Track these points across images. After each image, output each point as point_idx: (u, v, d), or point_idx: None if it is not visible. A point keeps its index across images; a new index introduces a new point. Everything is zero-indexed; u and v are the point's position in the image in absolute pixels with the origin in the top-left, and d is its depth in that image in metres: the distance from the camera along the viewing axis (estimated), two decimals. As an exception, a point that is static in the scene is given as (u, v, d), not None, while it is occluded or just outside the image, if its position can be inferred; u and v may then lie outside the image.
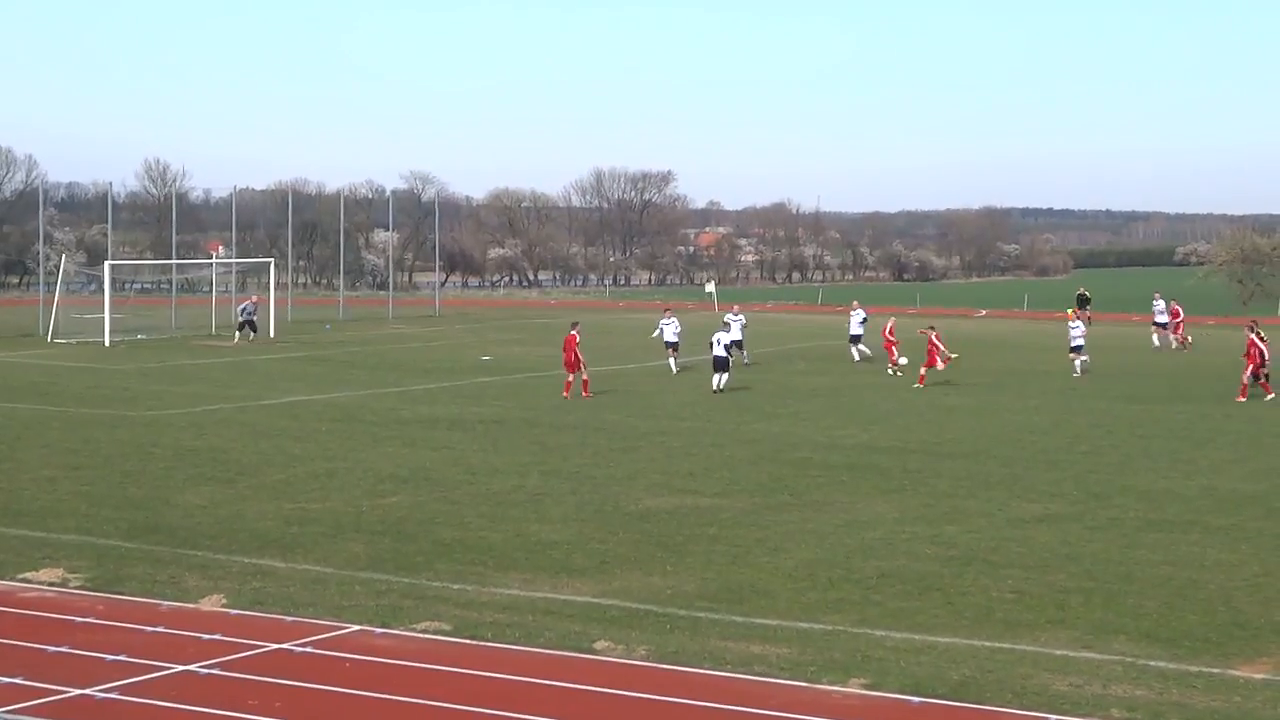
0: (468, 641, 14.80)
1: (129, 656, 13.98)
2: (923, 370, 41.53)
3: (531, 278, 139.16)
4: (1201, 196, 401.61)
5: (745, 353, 46.80)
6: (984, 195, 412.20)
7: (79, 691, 12.93)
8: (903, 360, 43.98)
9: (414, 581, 17.30)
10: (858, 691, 13.28)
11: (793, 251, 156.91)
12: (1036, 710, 12.79)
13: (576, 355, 37.57)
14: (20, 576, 17.37)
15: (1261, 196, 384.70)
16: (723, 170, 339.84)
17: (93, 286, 78.46)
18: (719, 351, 39.78)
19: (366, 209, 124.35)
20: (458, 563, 18.33)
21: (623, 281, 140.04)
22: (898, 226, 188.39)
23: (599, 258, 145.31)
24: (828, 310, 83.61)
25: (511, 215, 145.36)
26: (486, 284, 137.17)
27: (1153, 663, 14.23)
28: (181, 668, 13.70)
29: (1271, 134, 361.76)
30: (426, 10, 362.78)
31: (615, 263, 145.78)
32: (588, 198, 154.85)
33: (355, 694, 13.04)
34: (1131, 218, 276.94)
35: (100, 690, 12.97)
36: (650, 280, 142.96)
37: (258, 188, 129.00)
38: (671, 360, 44.98)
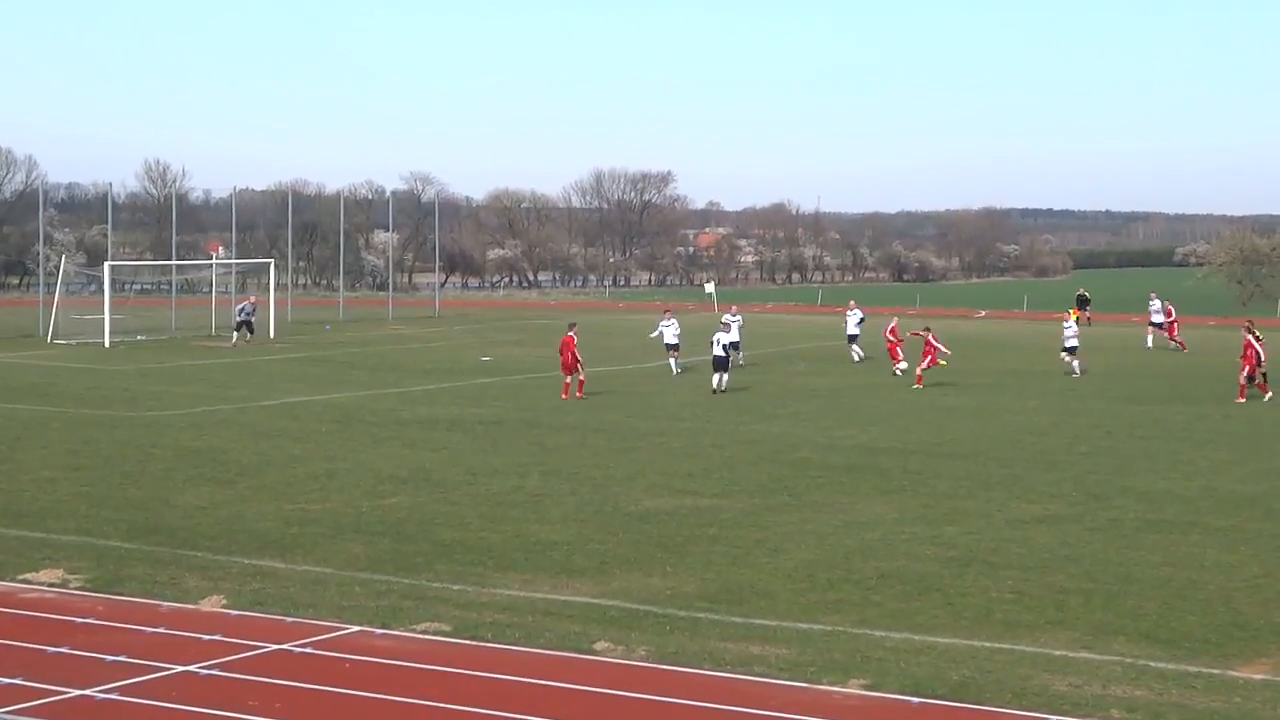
0: (468, 642, 14.81)
1: (129, 657, 13.99)
2: (920, 371, 41.61)
3: (531, 278, 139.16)
4: (1201, 197, 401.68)
5: (740, 354, 46.78)
6: (984, 196, 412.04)
7: (79, 692, 12.94)
8: (903, 365, 43.93)
9: (414, 582, 17.31)
10: (857, 692, 13.29)
11: (792, 252, 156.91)
12: (1036, 711, 12.80)
13: (575, 356, 37.60)
14: (20, 577, 17.38)
15: (1261, 197, 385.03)
16: (722, 171, 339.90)
17: (93, 287, 78.50)
18: (718, 352, 39.85)
19: (366, 209, 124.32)
20: (458, 563, 18.34)
21: (622, 282, 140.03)
22: (897, 227, 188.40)
23: (599, 258, 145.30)
24: (827, 311, 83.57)
25: (511, 216, 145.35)
26: (486, 285, 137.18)
27: (1152, 663, 14.24)
28: (181, 668, 13.71)
29: (1271, 135, 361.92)
30: (426, 11, 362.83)
31: (615, 263, 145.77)
32: (587, 198, 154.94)
33: (355, 695, 13.05)
34: (1131, 218, 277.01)
35: (100, 691, 12.98)
36: (650, 281, 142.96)
37: (258, 188, 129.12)
38: (672, 361, 45.01)
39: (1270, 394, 38.21)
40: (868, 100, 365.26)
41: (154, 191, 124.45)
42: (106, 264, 62.78)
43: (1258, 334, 39.02)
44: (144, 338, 58.68)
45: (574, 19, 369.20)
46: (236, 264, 73.74)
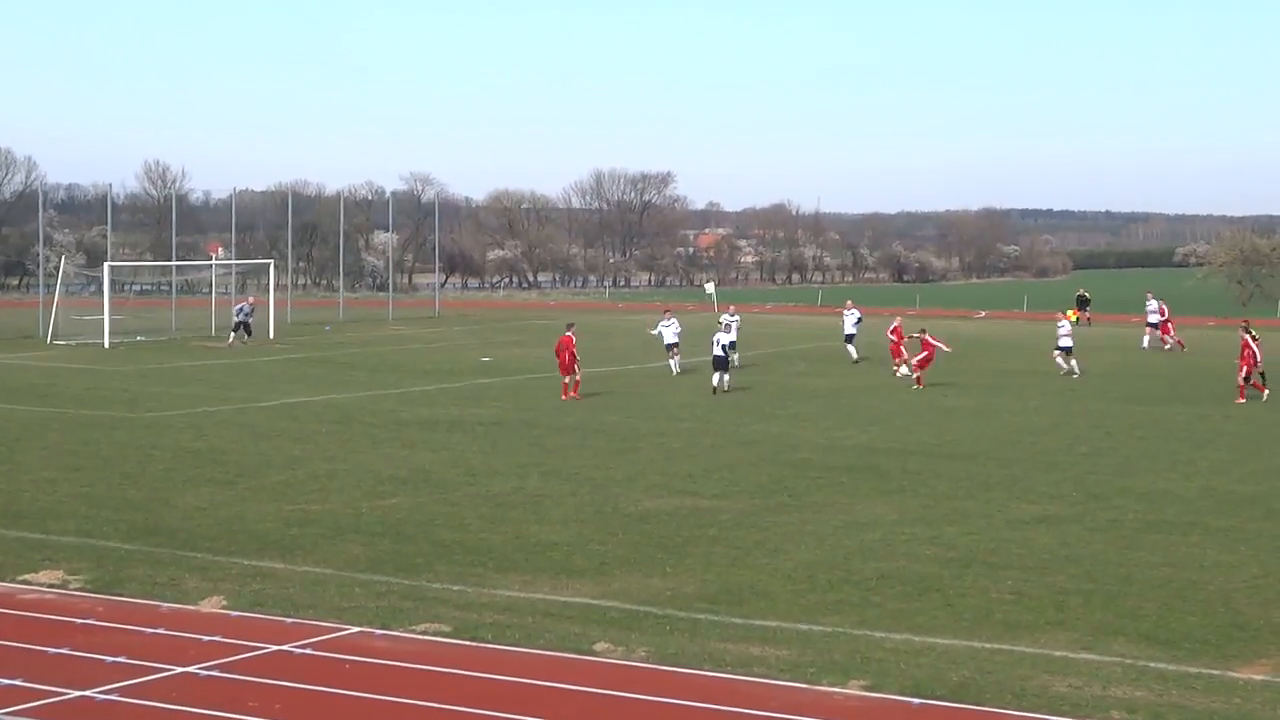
0: (467, 643, 14.81)
1: (129, 658, 13.99)
2: (918, 371, 41.69)
3: (531, 279, 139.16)
4: (1201, 198, 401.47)
5: (735, 355, 46.75)
6: (983, 196, 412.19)
7: (79, 693, 12.94)
8: (904, 370, 43.90)
9: (414, 583, 17.31)
10: (857, 693, 13.29)
11: (792, 253, 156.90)
12: (1036, 712, 12.80)
13: (574, 355, 37.62)
14: (20, 578, 17.38)
15: (1261, 197, 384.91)
16: (722, 171, 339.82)
17: (92, 288, 78.44)
18: (718, 352, 39.89)
19: (366, 210, 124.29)
20: (457, 564, 18.34)
21: (622, 283, 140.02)
22: (897, 227, 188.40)
23: (598, 259, 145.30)
24: (827, 311, 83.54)
25: (511, 216, 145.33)
26: (486, 285, 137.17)
27: (1152, 664, 14.25)
28: (181, 669, 13.71)
29: (1271, 135, 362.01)
30: (426, 12, 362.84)
31: (615, 264, 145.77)
32: (587, 199, 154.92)
33: (355, 695, 13.05)
34: (1131, 219, 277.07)
35: (100, 692, 12.98)
36: (650, 282, 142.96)
37: (257, 189, 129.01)
38: (672, 362, 45.03)
39: (1267, 392, 38.28)
40: (867, 100, 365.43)
41: (154, 192, 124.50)
42: (106, 265, 62.74)
43: (1254, 334, 39.07)
44: (144, 339, 58.67)
45: (574, 19, 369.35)
46: (236, 265, 73.73)
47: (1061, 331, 45.84)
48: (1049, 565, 18.53)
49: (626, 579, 17.64)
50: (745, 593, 17.00)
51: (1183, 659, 14.43)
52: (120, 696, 12.89)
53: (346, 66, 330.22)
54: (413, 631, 15.20)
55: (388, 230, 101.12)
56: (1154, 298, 59.95)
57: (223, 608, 16.12)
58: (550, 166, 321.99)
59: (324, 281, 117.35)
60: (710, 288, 62.49)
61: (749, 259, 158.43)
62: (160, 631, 15.12)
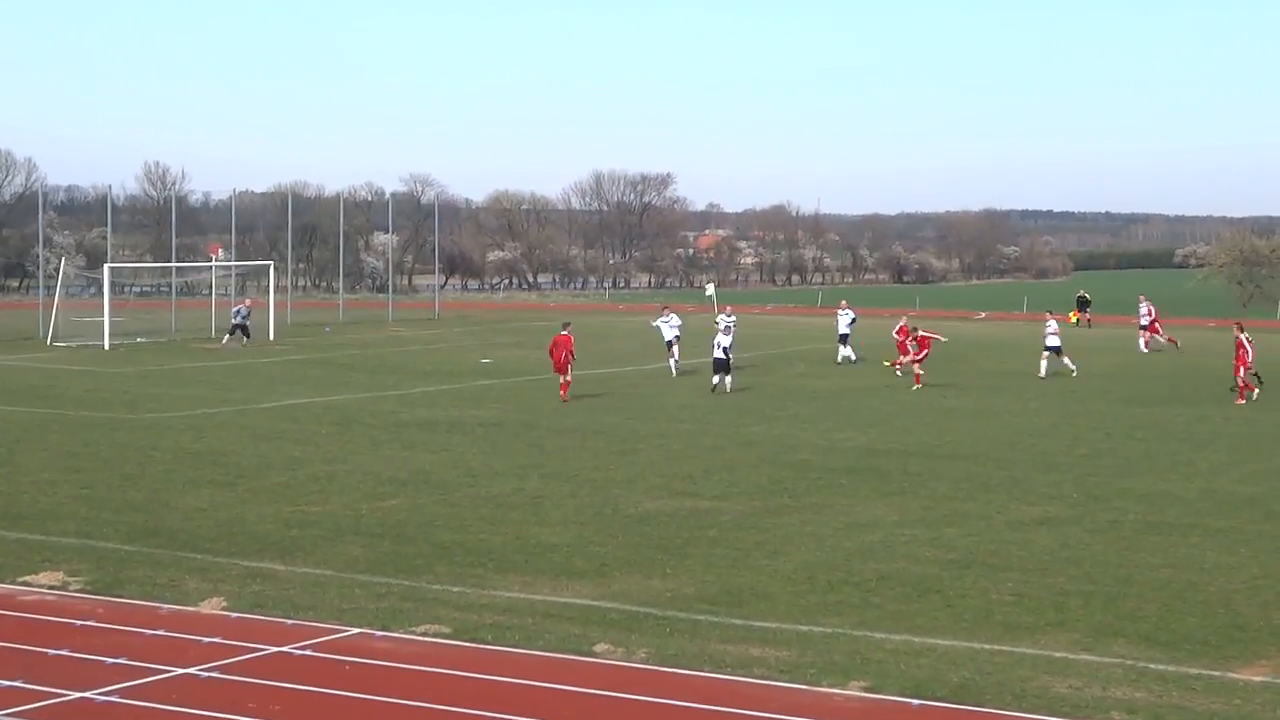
0: (467, 644, 14.81)
1: (129, 659, 13.99)
2: (917, 370, 41.83)
3: (531, 280, 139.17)
4: (1201, 198, 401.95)
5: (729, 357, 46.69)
6: (983, 197, 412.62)
7: (79, 694, 12.94)
8: (908, 368, 43.99)
9: (414, 584, 17.31)
10: (857, 694, 13.29)
11: (792, 254, 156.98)
12: (1036, 713, 12.79)
13: (571, 354, 37.59)
14: (20, 579, 17.37)
15: (1261, 198, 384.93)
16: (722, 172, 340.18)
17: (92, 289, 78.53)
18: (719, 354, 39.91)
19: (366, 211, 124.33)
20: (457, 565, 18.33)
21: (622, 284, 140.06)
22: (897, 229, 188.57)
23: (598, 260, 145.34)
24: (827, 313, 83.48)
25: (511, 218, 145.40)
26: (486, 287, 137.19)
27: (1152, 665, 14.24)
28: (182, 670, 13.71)
29: (1271, 136, 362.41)
30: (426, 12, 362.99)
31: (615, 265, 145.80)
32: (587, 200, 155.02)
33: (355, 697, 13.05)
34: (1131, 220, 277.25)
35: (100, 693, 12.98)
36: (650, 283, 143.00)
37: (257, 190, 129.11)
38: (672, 362, 45.09)
39: (1257, 391, 38.40)
40: (867, 101, 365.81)
41: (153, 194, 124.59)
42: (106, 266, 62.77)
43: (1247, 335, 39.16)
44: (144, 340, 58.67)
45: (574, 20, 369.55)
46: (236, 266, 73.75)
47: (1049, 331, 45.86)
48: (1049, 566, 18.53)
49: (626, 580, 17.64)
50: (745, 594, 17.00)
51: (1183, 660, 14.43)
52: (120, 698, 12.89)
53: (346, 67, 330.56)
54: (413, 633, 15.19)
55: (387, 231, 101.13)
56: (1145, 300, 59.99)
57: (223, 609, 16.12)
58: (550, 167, 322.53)
59: (324, 283, 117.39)
60: (710, 289, 62.51)
61: (749, 260, 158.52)
62: (160, 633, 15.11)
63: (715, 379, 39.59)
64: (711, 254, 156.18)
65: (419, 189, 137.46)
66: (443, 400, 37.52)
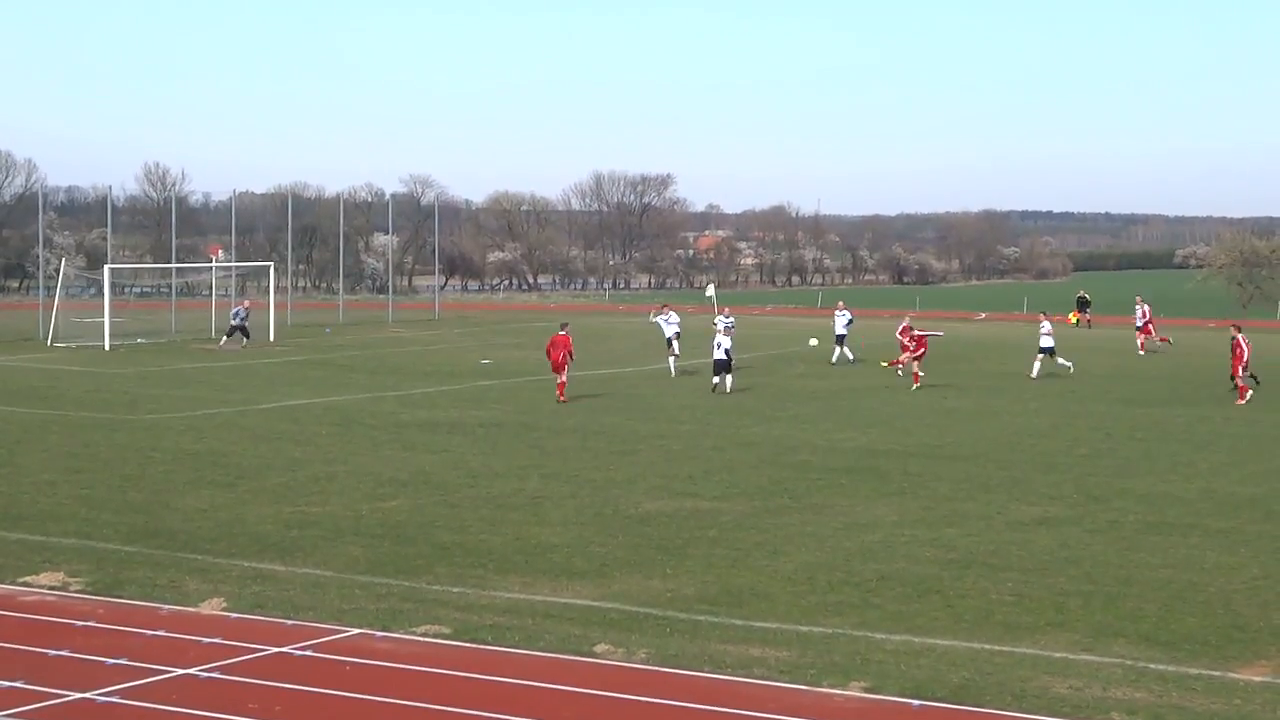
0: (468, 645, 14.81)
1: (130, 660, 14.00)
2: (916, 369, 41.92)
3: (531, 281, 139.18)
4: (1201, 199, 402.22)
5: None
6: (983, 198, 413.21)
7: (80, 695, 12.94)
8: (901, 374, 44.03)
9: (414, 585, 17.31)
10: (858, 694, 13.30)
11: (792, 255, 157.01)
12: (1036, 713, 12.80)
13: (570, 354, 37.55)
14: (21, 580, 17.38)
15: (1261, 199, 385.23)
16: (722, 173, 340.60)
17: (92, 290, 78.55)
18: (720, 355, 39.95)
19: (366, 212, 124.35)
20: (457, 566, 18.34)
21: (622, 285, 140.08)
22: (897, 229, 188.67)
23: (598, 261, 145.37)
24: (827, 314, 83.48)
25: (511, 219, 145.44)
26: (486, 288, 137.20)
27: (1152, 665, 14.25)
28: (182, 671, 13.71)
29: (1271, 136, 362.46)
30: (426, 13, 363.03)
31: (615, 266, 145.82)
32: (587, 201, 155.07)
33: (355, 697, 13.05)
34: (1131, 220, 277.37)
35: (101, 694, 12.99)
36: (650, 284, 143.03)
37: (257, 191, 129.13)
38: (671, 360, 45.17)
39: (1251, 393, 38.45)
40: (867, 102, 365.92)
41: (154, 194, 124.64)
42: (106, 267, 62.81)
43: (1244, 335, 39.21)
44: (144, 341, 58.67)
45: (574, 20, 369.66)
46: (236, 267, 73.77)
47: (1043, 332, 45.85)
48: (1049, 567, 18.53)
49: (627, 581, 17.64)
50: (745, 594, 17.00)
51: (1183, 660, 14.44)
52: (121, 698, 12.89)
53: (346, 68, 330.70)
54: (413, 633, 15.19)
55: (387, 232, 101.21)
56: (1142, 302, 60.03)
57: (223, 610, 16.12)
58: (550, 168, 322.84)
59: (324, 284, 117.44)
60: (711, 290, 62.54)
61: (749, 261, 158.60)
62: (160, 633, 15.12)
63: (716, 379, 39.69)
64: (711, 255, 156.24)
65: (419, 190, 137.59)
66: (443, 401, 37.52)
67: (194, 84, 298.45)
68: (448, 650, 14.60)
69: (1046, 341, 45.50)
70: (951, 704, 13.03)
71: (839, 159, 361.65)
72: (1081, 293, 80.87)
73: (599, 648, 14.67)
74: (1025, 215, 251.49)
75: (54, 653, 14.28)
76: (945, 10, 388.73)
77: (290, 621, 15.60)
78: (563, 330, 38.49)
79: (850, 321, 51.53)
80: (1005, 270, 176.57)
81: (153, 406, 35.55)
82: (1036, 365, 44.99)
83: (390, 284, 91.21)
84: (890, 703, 13.09)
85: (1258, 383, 39.03)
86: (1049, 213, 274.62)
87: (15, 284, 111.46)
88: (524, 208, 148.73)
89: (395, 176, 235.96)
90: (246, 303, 61.13)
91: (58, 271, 64.60)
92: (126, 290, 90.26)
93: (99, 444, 28.69)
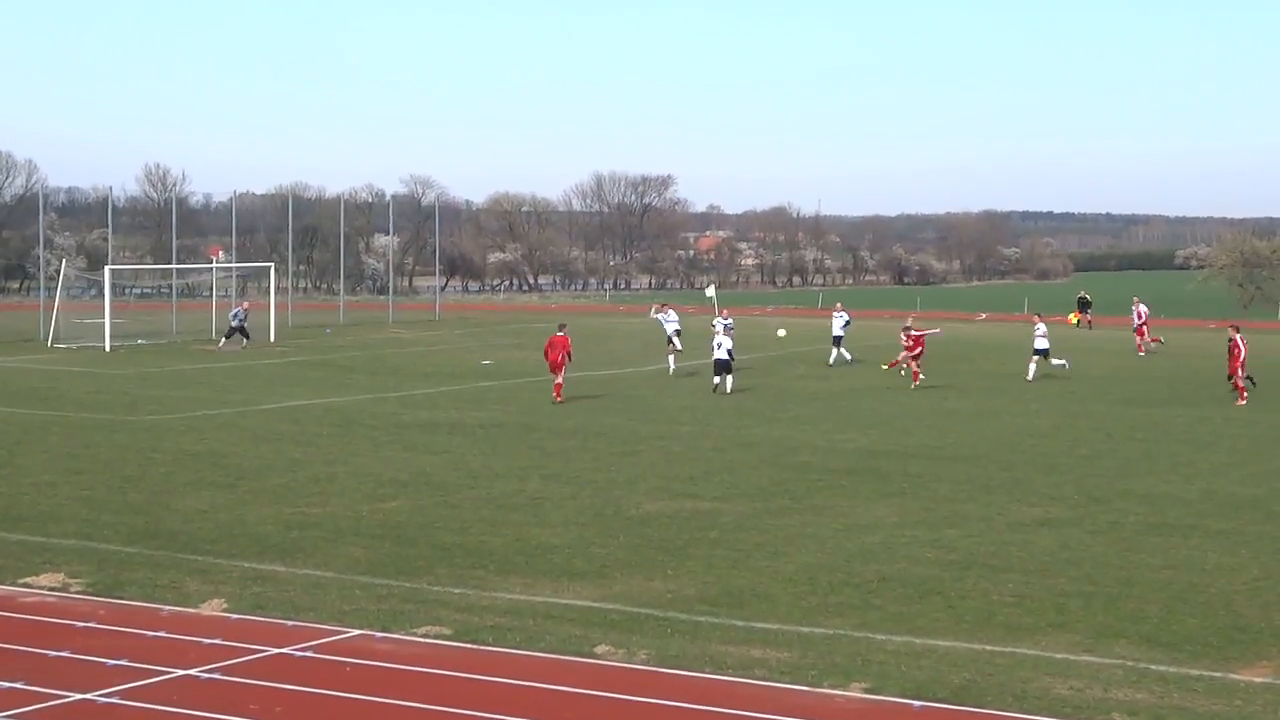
0: (468, 646, 14.80)
1: (130, 661, 13.99)
2: (914, 367, 41.99)
3: (531, 282, 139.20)
4: (1201, 200, 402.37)
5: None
6: (984, 199, 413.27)
7: (80, 696, 12.93)
8: (903, 373, 44.00)
9: (414, 586, 17.30)
10: (859, 695, 13.29)
11: (793, 255, 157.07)
12: (1037, 714, 12.79)
13: (569, 355, 37.51)
14: (21, 581, 17.37)
15: (1261, 200, 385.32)
16: (722, 174, 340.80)
17: (93, 291, 78.55)
18: (721, 355, 39.98)
19: (367, 213, 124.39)
20: (458, 567, 18.33)
21: (623, 286, 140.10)
22: (898, 230, 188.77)
23: (599, 262, 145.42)
24: (827, 314, 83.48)
25: (511, 219, 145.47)
26: (486, 288, 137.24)
27: (1153, 666, 14.24)
28: (182, 672, 13.70)
29: (1271, 137, 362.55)
30: (426, 14, 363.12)
31: (615, 267, 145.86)
32: (588, 202, 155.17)
33: (356, 698, 13.05)
34: (1131, 221, 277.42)
35: (101, 695, 12.98)
36: (650, 284, 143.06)
37: (258, 192, 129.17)
38: (670, 358, 45.29)
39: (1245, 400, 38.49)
40: (868, 102, 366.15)
41: (154, 195, 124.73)
42: (107, 268, 62.82)
43: (1241, 335, 39.22)
44: (144, 342, 58.68)
45: (574, 21, 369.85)
46: (237, 268, 73.79)
47: (1037, 334, 45.79)
48: (1050, 568, 18.53)
49: (627, 581, 17.63)
50: (746, 595, 16.99)
51: (1184, 661, 14.43)
52: (121, 699, 12.89)
53: (346, 69, 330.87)
54: (414, 634, 15.19)
55: (388, 233, 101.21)
56: (1139, 302, 60.01)
57: (223, 611, 16.12)
58: (550, 169, 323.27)
59: (324, 284, 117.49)
60: (711, 291, 62.55)
61: (749, 262, 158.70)
62: (161, 634, 15.11)
63: (717, 379, 39.72)
64: (712, 255, 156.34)
65: (419, 191, 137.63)
66: (443, 402, 37.51)
67: (194, 84, 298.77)
68: (448, 651, 14.59)
69: (1041, 344, 45.45)
70: (952, 705, 13.02)
71: (839, 159, 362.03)
72: (1082, 293, 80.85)
73: (600, 649, 14.66)
74: (1026, 216, 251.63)
75: (54, 654, 14.28)
76: (945, 10, 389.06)
77: (291, 622, 15.59)
78: (561, 331, 38.43)
79: (848, 323, 51.61)
80: (1006, 271, 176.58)
81: (153, 407, 35.55)
82: (1032, 367, 44.98)
83: (391, 285, 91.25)
84: (891, 704, 13.08)
85: (1254, 384, 39.03)
86: (1050, 213, 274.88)
87: (16, 285, 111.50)
88: (525, 208, 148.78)
89: (396, 177, 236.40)
90: (245, 304, 61.15)
91: (58, 272, 64.61)
92: (127, 291, 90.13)
93: (99, 445, 28.69)
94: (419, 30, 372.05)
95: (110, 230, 79.30)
